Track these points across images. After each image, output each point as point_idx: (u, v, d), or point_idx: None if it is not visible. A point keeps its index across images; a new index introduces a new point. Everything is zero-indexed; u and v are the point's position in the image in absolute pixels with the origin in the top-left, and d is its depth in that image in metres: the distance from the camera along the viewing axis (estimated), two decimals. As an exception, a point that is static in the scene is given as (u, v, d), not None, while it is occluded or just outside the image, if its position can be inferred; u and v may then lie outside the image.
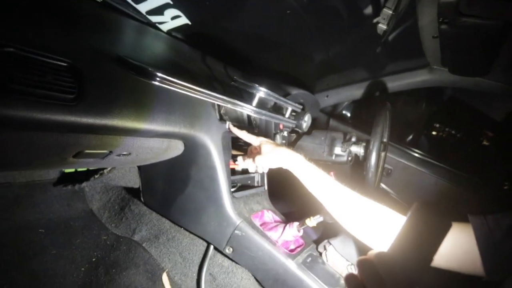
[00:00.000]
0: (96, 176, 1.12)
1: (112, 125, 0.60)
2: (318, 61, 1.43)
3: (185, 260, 1.06)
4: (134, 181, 1.14)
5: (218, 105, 0.92)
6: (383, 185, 1.53)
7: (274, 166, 0.82)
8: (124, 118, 0.62)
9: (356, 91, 1.52)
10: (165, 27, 1.01)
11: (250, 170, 1.10)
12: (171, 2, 0.92)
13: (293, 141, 1.29)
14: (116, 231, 1.17)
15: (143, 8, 0.92)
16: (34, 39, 0.52)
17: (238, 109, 0.80)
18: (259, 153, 0.83)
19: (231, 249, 0.92)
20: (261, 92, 0.83)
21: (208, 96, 0.71)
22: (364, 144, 1.14)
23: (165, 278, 1.05)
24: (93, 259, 1.05)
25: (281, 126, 1.18)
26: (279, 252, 0.88)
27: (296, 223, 0.97)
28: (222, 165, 0.91)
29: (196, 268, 1.04)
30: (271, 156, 0.80)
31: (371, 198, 0.70)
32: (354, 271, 0.94)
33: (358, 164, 1.22)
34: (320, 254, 1.01)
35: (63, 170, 1.18)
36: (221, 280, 1.01)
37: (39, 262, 0.96)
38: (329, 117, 1.64)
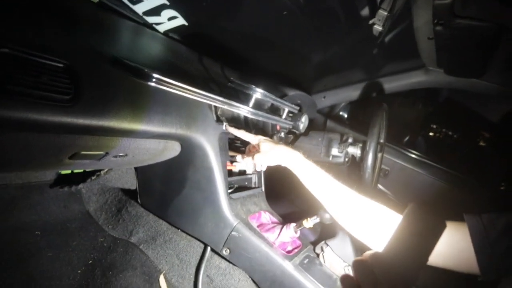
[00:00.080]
0: (93, 178, 1.12)
1: (108, 126, 0.60)
2: (315, 62, 1.43)
3: (182, 262, 1.06)
4: (131, 183, 1.14)
5: (215, 106, 0.92)
6: (380, 186, 1.53)
7: (273, 163, 0.82)
8: (121, 119, 0.62)
9: (353, 92, 1.53)
10: (162, 28, 1.01)
11: (248, 169, 1.10)
12: (168, 3, 0.92)
13: (290, 142, 1.30)
14: (113, 233, 1.16)
15: (139, 9, 0.92)
16: (30, 40, 0.51)
17: (235, 110, 0.80)
18: (257, 151, 0.83)
19: (228, 251, 0.91)
20: (258, 93, 0.83)
21: (205, 97, 0.71)
22: (361, 145, 1.15)
23: (162, 280, 1.05)
24: (90, 261, 1.05)
25: (278, 127, 1.18)
26: (276, 254, 0.88)
27: (293, 224, 0.97)
28: (219, 166, 0.91)
29: (193, 270, 1.04)
30: (270, 154, 0.81)
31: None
32: (351, 272, 0.94)
33: (355, 165, 1.22)
34: (318, 255, 1.01)
35: (60, 171, 1.18)
36: (218, 282, 1.00)
37: (35, 264, 0.96)
38: (326, 118, 1.64)
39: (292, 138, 1.30)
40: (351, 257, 0.98)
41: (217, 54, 1.14)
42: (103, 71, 0.61)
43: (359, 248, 1.02)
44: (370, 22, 0.85)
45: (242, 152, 1.03)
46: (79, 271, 1.00)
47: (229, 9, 1.02)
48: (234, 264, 0.94)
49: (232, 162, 1.07)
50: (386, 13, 0.80)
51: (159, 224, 1.13)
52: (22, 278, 0.92)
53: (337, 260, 0.98)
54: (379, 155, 1.14)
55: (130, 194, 1.20)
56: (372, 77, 1.45)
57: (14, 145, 0.54)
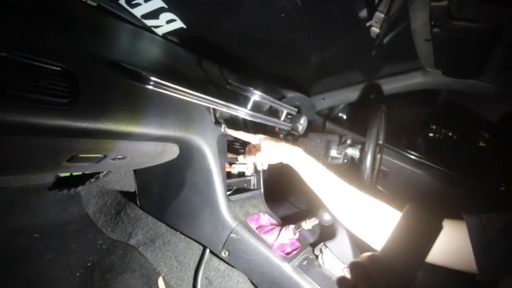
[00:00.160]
0: (91, 180, 1.12)
1: (106, 129, 0.60)
2: (314, 64, 1.44)
3: (181, 264, 1.06)
4: (130, 185, 1.14)
5: (213, 108, 0.93)
6: (379, 187, 1.53)
7: (275, 161, 0.83)
8: (118, 122, 0.62)
9: (351, 94, 1.53)
10: (160, 31, 1.01)
11: (249, 168, 1.11)
12: (166, 6, 0.92)
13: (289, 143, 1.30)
14: (112, 235, 1.16)
15: (138, 12, 0.92)
16: (28, 43, 0.52)
17: (233, 112, 0.80)
18: (259, 149, 0.84)
19: (227, 253, 0.91)
20: (256, 96, 0.83)
21: (203, 100, 0.71)
22: (359, 146, 1.15)
23: (160, 282, 1.05)
24: (89, 264, 1.05)
25: (276, 129, 1.19)
26: (275, 255, 0.88)
27: (292, 226, 0.97)
28: (217, 168, 0.91)
29: (192, 272, 1.04)
30: (271, 151, 0.81)
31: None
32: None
33: (354, 167, 1.22)
34: (316, 257, 1.01)
35: (58, 174, 1.18)
36: (217, 284, 1.00)
37: (34, 267, 0.96)
38: (325, 119, 1.64)
39: (291, 140, 1.30)
40: (350, 258, 0.98)
41: (215, 56, 1.14)
42: (101, 74, 0.62)
43: (358, 249, 1.02)
44: (368, 24, 0.86)
45: (241, 154, 1.03)
46: (78, 274, 1.00)
47: (227, 12, 1.02)
48: (233, 266, 0.94)
49: (231, 164, 1.07)
50: (383, 15, 0.80)
51: (158, 226, 1.13)
52: (21, 281, 0.92)
53: (336, 261, 0.98)
54: (378, 156, 1.14)
55: (129, 196, 1.20)
56: (371, 78, 1.45)
57: (12, 148, 0.54)
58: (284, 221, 1.07)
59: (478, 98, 1.69)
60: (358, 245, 1.04)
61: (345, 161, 1.20)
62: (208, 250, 1.00)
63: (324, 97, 1.59)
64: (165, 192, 1.01)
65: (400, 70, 1.36)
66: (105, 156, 0.70)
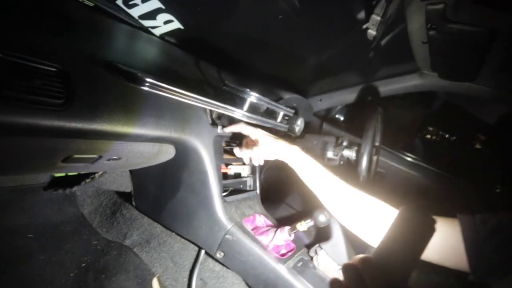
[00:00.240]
0: (87, 180, 1.11)
1: (101, 130, 0.60)
2: (312, 65, 1.44)
3: (176, 265, 1.05)
4: (126, 185, 1.14)
5: (210, 110, 0.93)
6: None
7: (271, 158, 0.84)
8: (114, 123, 0.62)
9: (349, 95, 1.53)
10: (157, 32, 1.01)
11: (245, 161, 1.11)
12: (164, 7, 0.92)
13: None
14: (107, 235, 1.16)
15: (135, 12, 0.92)
16: (23, 44, 0.51)
17: (229, 114, 0.80)
18: (256, 144, 0.84)
19: (222, 254, 0.91)
20: (253, 97, 0.83)
21: (199, 101, 0.71)
22: (356, 148, 1.15)
23: (155, 283, 1.04)
24: (83, 264, 1.04)
25: (273, 130, 1.19)
26: (270, 257, 0.88)
27: (287, 227, 0.97)
28: (213, 169, 0.91)
29: (187, 273, 1.04)
30: (268, 148, 0.82)
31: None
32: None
33: (350, 168, 1.23)
34: (311, 258, 1.01)
35: (54, 174, 1.17)
36: (212, 285, 1.00)
37: (27, 268, 0.95)
38: (322, 121, 1.64)
39: (288, 141, 1.30)
40: (345, 260, 0.98)
41: (213, 57, 1.14)
42: (96, 75, 0.61)
43: (353, 251, 1.03)
44: (364, 26, 0.86)
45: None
46: (72, 275, 1.00)
47: (224, 13, 1.02)
48: (228, 267, 0.94)
49: (227, 165, 1.07)
50: (379, 18, 0.80)
51: (154, 227, 1.13)
52: (14, 282, 0.91)
53: (331, 263, 0.98)
54: (375, 158, 1.15)
55: (124, 196, 1.20)
56: (368, 80, 1.45)
57: (5, 149, 0.54)
58: (280, 222, 1.07)
59: (475, 100, 1.71)
60: (353, 247, 1.05)
61: (341, 162, 1.20)
62: (203, 251, 1.00)
63: (322, 99, 1.59)
64: (161, 193, 1.00)
65: (397, 72, 1.36)
66: (100, 156, 0.70)
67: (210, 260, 1.03)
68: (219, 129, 0.94)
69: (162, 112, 0.75)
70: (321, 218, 0.90)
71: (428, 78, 1.25)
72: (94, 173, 1.10)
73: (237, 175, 1.11)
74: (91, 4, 0.85)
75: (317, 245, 1.02)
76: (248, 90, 0.82)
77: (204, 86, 0.97)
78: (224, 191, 0.99)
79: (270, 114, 1.08)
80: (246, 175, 1.13)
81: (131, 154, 0.76)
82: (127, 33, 0.92)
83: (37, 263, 0.97)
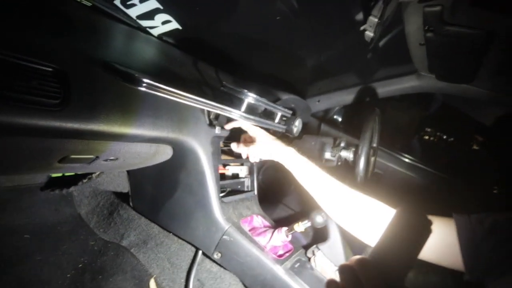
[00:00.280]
0: (84, 181, 1.11)
1: (98, 130, 0.60)
2: (310, 66, 1.44)
3: (173, 265, 1.05)
4: (123, 186, 1.13)
5: (208, 110, 0.93)
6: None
7: (267, 157, 0.85)
8: (110, 123, 0.62)
9: (347, 96, 1.54)
10: (155, 32, 1.01)
11: (243, 156, 1.11)
12: (162, 7, 0.92)
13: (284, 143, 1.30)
14: (104, 236, 1.15)
15: (133, 12, 0.92)
16: (19, 44, 0.51)
17: (227, 114, 0.80)
18: (253, 142, 0.84)
19: (219, 255, 0.91)
20: (250, 98, 0.83)
21: (196, 102, 0.71)
22: (353, 149, 1.15)
23: (152, 284, 1.04)
24: (80, 265, 1.04)
25: (271, 131, 1.18)
26: (267, 258, 0.88)
27: (284, 228, 0.97)
28: (211, 170, 0.91)
29: (184, 273, 1.04)
30: (265, 147, 0.84)
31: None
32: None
33: (348, 169, 1.23)
34: (309, 259, 1.01)
35: (51, 174, 1.17)
36: (209, 286, 1.00)
37: (24, 268, 0.95)
38: (320, 122, 1.65)
39: (285, 142, 1.30)
40: (342, 261, 0.98)
41: (211, 57, 1.14)
42: (93, 75, 0.61)
43: (350, 252, 1.03)
44: (361, 28, 0.86)
45: (235, 156, 1.03)
46: (69, 275, 1.00)
47: (223, 13, 1.02)
48: (225, 268, 0.94)
49: (225, 165, 1.07)
50: (376, 20, 0.80)
51: (151, 228, 1.13)
52: (11, 282, 0.91)
53: (328, 264, 0.98)
54: (372, 159, 1.15)
55: (122, 197, 1.19)
56: (366, 81, 1.46)
57: (2, 149, 0.54)
58: (278, 223, 1.07)
59: (473, 102, 1.71)
60: (351, 247, 1.05)
61: (339, 163, 1.20)
62: (200, 252, 1.00)
63: (320, 99, 1.59)
64: (158, 193, 1.00)
65: (395, 74, 1.37)
66: (97, 157, 0.70)
67: (207, 261, 1.03)
68: (216, 130, 0.93)
69: (159, 112, 0.75)
70: (318, 219, 0.90)
71: (425, 79, 1.26)
72: (91, 173, 1.10)
73: (235, 176, 1.11)
74: (89, 4, 0.85)
75: (314, 246, 1.02)
76: (245, 91, 0.82)
77: (202, 86, 0.96)
78: (222, 191, 0.99)
79: (268, 115, 1.08)
80: (243, 176, 1.13)
81: (128, 154, 0.76)
82: (125, 33, 0.92)
83: (34, 264, 0.97)
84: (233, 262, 0.90)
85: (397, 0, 0.80)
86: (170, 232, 1.03)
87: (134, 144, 0.76)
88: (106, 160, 0.74)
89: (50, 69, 0.54)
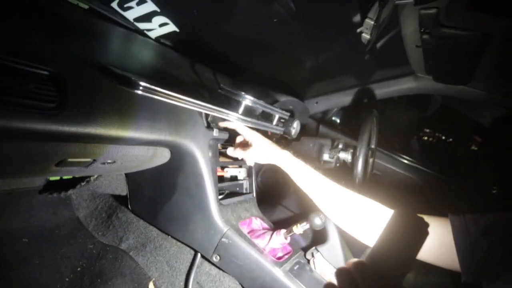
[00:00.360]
0: (82, 184, 1.11)
1: (95, 134, 0.60)
2: (308, 68, 1.44)
3: (172, 268, 1.05)
4: (122, 189, 1.13)
5: (206, 113, 0.93)
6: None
7: (263, 161, 0.85)
8: (108, 126, 0.62)
9: (345, 98, 1.54)
10: (153, 34, 1.01)
11: (241, 171, 1.11)
12: (159, 10, 0.92)
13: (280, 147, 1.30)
14: (103, 239, 1.15)
15: (130, 15, 0.92)
16: (15, 47, 0.51)
17: (224, 117, 0.80)
18: (249, 145, 0.85)
19: (218, 257, 0.91)
20: (248, 100, 0.83)
21: (194, 105, 0.71)
22: (351, 150, 1.15)
23: (151, 287, 1.04)
24: (78, 269, 1.04)
25: (269, 133, 1.19)
26: (266, 260, 0.88)
27: (283, 230, 0.97)
28: (209, 172, 0.91)
29: (183, 276, 1.03)
30: (261, 151, 0.84)
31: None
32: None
33: (346, 171, 1.23)
34: (308, 261, 1.01)
35: (49, 177, 1.16)
36: (208, 288, 1.00)
37: (22, 272, 0.94)
38: (319, 123, 1.65)
39: (283, 144, 1.31)
40: (341, 263, 0.98)
41: (208, 60, 1.15)
42: (90, 78, 0.61)
43: (349, 254, 1.03)
44: (358, 30, 0.87)
45: (234, 159, 1.03)
46: (67, 279, 0.99)
47: (220, 16, 1.03)
48: (224, 271, 0.94)
49: (223, 168, 1.07)
50: (372, 22, 0.81)
51: (150, 231, 1.12)
52: (9, 286, 0.90)
53: (328, 266, 0.98)
54: (370, 160, 1.15)
55: (120, 200, 1.19)
56: (364, 83, 1.46)
57: (-1, 153, 0.53)
58: (276, 225, 1.07)
59: (470, 103, 1.72)
60: (350, 249, 1.05)
61: (337, 165, 1.21)
62: (199, 255, 1.00)
63: (318, 101, 1.60)
64: (157, 196, 1.00)
65: (392, 75, 1.37)
66: (94, 160, 0.69)
67: (206, 263, 1.02)
68: (214, 132, 0.93)
69: (157, 115, 0.75)
70: (317, 221, 0.90)
71: (422, 81, 1.26)
72: (89, 176, 1.10)
73: (233, 178, 1.11)
74: (86, 7, 0.85)
75: (313, 248, 1.02)
76: (243, 93, 0.82)
77: (199, 89, 0.97)
78: (220, 194, 0.99)
79: (266, 117, 1.08)
80: (242, 178, 1.13)
81: (125, 157, 0.76)
82: (122, 36, 0.92)
83: (33, 267, 0.96)
84: (232, 265, 0.90)
85: (393, 2, 0.80)
86: (168, 235, 1.03)
87: (132, 147, 0.76)
88: (103, 163, 0.73)
89: (46, 73, 0.54)
